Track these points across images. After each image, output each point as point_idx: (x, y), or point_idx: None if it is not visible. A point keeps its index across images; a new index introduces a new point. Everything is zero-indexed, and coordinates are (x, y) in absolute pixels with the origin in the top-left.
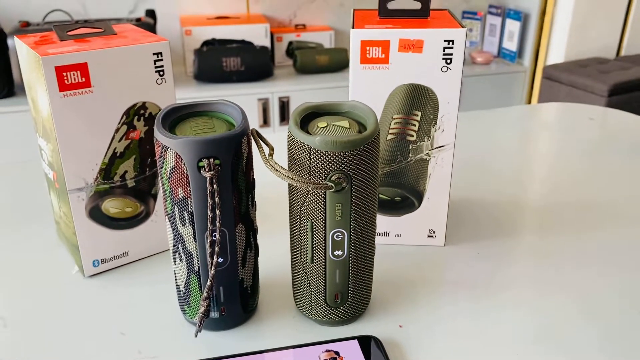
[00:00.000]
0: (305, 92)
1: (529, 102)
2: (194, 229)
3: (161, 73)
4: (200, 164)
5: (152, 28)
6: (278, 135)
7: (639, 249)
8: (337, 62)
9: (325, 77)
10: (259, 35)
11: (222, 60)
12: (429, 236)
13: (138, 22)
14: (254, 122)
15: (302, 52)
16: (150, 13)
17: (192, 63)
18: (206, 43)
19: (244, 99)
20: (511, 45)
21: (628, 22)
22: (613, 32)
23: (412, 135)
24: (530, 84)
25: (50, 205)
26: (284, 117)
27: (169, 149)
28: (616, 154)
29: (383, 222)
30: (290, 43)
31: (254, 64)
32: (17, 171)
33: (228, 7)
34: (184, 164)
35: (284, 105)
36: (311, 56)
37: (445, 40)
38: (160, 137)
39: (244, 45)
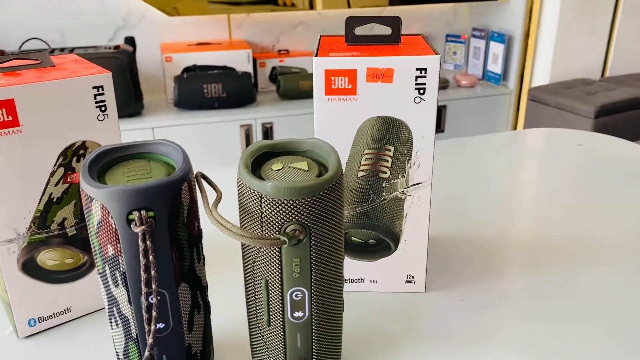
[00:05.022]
0: (288, 117)
1: (515, 124)
2: (128, 292)
3: (103, 109)
4: (130, 217)
5: (131, 55)
6: None
7: (638, 285)
8: None
9: (309, 102)
10: (241, 61)
11: (202, 87)
12: (408, 282)
13: (116, 49)
14: (237, 150)
15: (285, 78)
16: (130, 40)
17: (172, 90)
18: (187, 69)
19: (225, 126)
20: (495, 67)
21: (612, 42)
22: (597, 53)
23: (385, 172)
24: (516, 106)
25: None
26: None
27: (94, 200)
28: (606, 182)
29: (357, 267)
30: (274, 68)
31: (236, 90)
32: None
33: (210, 33)
34: (112, 218)
35: (267, 132)
36: (294, 81)
37: (417, 69)
38: (85, 186)
39: (226, 71)
